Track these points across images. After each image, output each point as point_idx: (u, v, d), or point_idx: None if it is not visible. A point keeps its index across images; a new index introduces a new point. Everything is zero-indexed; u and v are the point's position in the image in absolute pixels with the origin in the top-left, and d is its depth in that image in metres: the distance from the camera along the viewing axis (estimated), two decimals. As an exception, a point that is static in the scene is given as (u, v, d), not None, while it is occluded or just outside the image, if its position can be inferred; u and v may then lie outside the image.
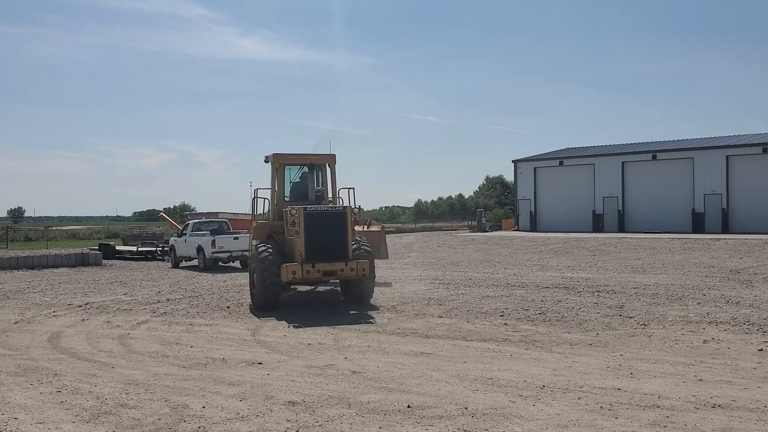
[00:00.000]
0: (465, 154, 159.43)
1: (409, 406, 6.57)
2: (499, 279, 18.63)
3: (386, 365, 8.55)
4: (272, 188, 15.36)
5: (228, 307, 14.33)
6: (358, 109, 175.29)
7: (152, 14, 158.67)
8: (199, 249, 25.12)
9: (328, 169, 15.61)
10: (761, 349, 9.04)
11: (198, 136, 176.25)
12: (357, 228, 16.31)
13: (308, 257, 13.35)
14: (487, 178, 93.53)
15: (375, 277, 14.87)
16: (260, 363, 8.84)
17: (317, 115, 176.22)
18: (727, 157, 41.86)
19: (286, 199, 15.50)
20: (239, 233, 26.66)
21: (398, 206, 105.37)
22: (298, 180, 15.79)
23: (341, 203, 15.19)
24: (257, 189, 15.59)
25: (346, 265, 13.40)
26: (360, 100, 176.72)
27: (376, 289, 15.91)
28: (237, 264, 25.70)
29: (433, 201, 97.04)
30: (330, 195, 15.61)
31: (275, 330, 11.51)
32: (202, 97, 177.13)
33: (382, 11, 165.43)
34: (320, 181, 15.74)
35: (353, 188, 15.44)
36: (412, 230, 60.64)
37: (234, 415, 6.43)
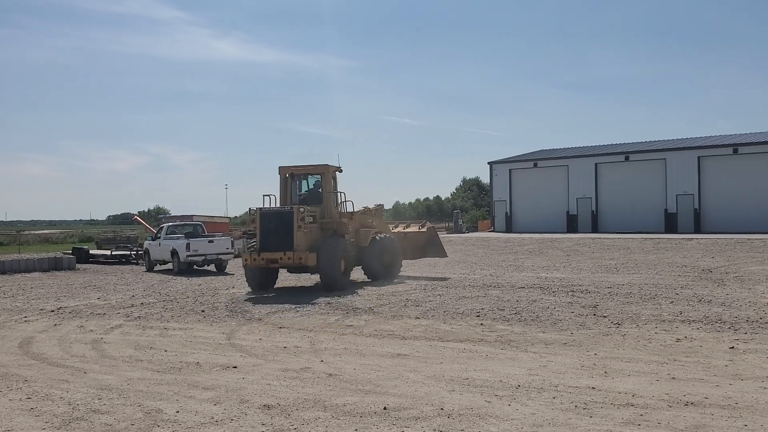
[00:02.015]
0: (442, 156, 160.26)
1: (385, 408, 6.56)
2: (475, 280, 18.69)
3: (363, 367, 8.53)
4: (281, 194, 18.36)
5: (203, 311, 14.21)
6: (334, 111, 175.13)
7: (125, 16, 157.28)
8: (174, 252, 24.88)
9: (330, 178, 18.30)
10: (732, 347, 9.17)
11: (173, 138, 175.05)
12: (397, 228, 21.41)
13: (261, 247, 16.87)
14: (464, 180, 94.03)
15: (399, 271, 19.18)
16: (235, 367, 8.77)
17: (293, 118, 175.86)
18: (698, 157, 42.48)
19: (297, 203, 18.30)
20: (214, 236, 26.51)
21: (261, 207, 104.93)
22: (311, 188, 18.85)
23: (342, 208, 18.43)
24: (264, 195, 18.20)
25: (285, 254, 16.60)
26: (336, 103, 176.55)
27: (352, 289, 16.68)
28: (212, 267, 25.49)
29: (410, 203, 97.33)
30: (323, 200, 18.19)
31: (250, 333, 11.43)
32: (177, 99, 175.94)
33: (358, 13, 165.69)
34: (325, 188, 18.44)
35: (344, 192, 18.71)
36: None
37: (208, 420, 6.37)
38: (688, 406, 6.45)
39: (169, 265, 25.89)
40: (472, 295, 15.24)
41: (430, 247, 21.45)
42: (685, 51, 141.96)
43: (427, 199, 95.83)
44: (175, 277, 22.93)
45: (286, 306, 14.47)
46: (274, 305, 14.67)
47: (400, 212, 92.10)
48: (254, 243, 17.27)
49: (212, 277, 22.47)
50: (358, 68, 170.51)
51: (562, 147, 55.44)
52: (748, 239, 32.01)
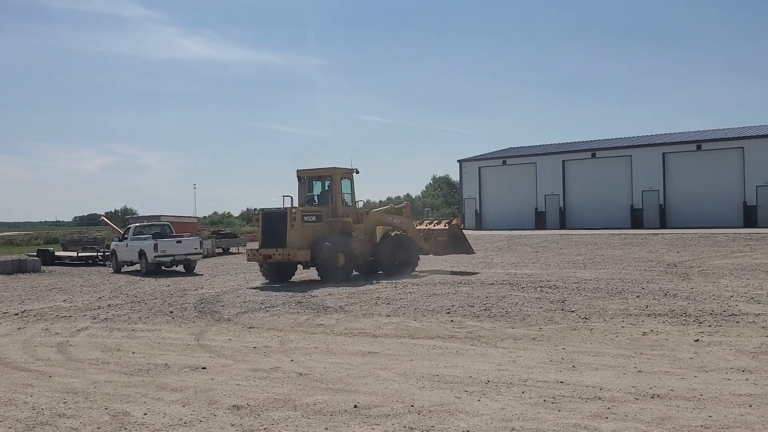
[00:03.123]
0: (412, 154, 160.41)
1: (355, 406, 6.55)
2: (445, 277, 18.78)
3: (333, 366, 8.52)
4: (298, 195, 20.10)
5: (171, 312, 14.06)
6: (304, 109, 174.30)
7: (91, 14, 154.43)
8: (141, 253, 24.57)
9: (338, 180, 19.87)
10: (697, 340, 9.34)
11: (141, 138, 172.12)
12: (422, 225, 22.51)
13: (260, 244, 19.30)
14: (434, 178, 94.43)
15: (414, 268, 20.29)
16: (204, 368, 8.69)
17: (263, 117, 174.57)
18: (663, 154, 43.16)
19: (314, 203, 20.26)
20: (182, 236, 26.22)
21: (258, 208, 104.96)
22: (325, 189, 20.31)
23: (353, 208, 20.01)
24: (283, 196, 19.95)
25: (277, 250, 18.53)
26: (307, 101, 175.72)
27: (324, 290, 16.75)
28: (180, 268, 25.22)
29: (381, 201, 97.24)
30: (333, 200, 19.68)
31: (220, 334, 11.34)
32: (144, 98, 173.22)
33: (328, 11, 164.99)
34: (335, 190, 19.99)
35: (349, 193, 20.27)
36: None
37: (177, 421, 6.30)
38: (654, 399, 6.55)
39: (137, 266, 25.57)
40: (442, 292, 15.31)
41: (454, 244, 22.04)
42: (649, 49, 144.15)
43: (398, 197, 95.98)
44: (143, 278, 22.65)
45: (256, 306, 14.38)
46: (243, 305, 14.57)
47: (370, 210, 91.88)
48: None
49: (181, 278, 22.23)
50: (329, 66, 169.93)
51: (531, 145, 55.92)
52: (712, 234, 32.62)
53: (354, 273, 19.78)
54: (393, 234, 20.27)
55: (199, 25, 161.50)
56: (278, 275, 19.26)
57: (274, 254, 18.70)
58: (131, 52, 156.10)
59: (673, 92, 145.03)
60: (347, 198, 20.22)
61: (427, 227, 22.48)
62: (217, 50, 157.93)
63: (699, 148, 42.09)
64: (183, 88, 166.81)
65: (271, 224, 19.11)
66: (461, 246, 22.16)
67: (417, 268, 20.71)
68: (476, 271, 20.26)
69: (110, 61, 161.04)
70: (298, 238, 18.63)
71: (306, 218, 19.04)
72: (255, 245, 20.17)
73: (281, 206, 19.61)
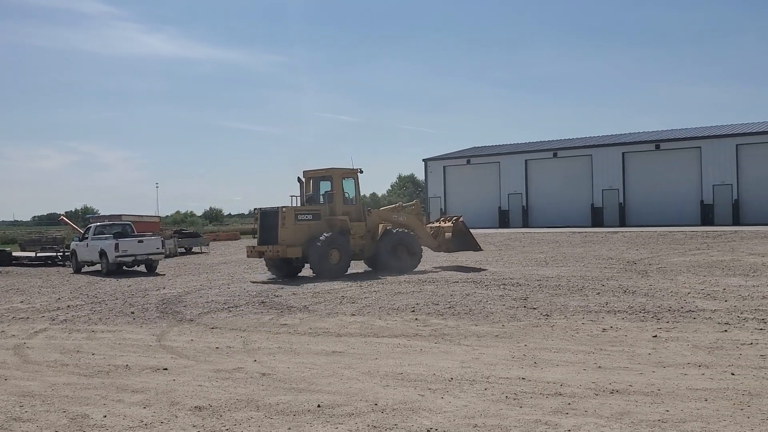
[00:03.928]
0: (378, 153, 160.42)
1: (319, 406, 6.54)
2: (410, 275, 18.85)
3: (297, 366, 8.49)
4: (300, 195, 20.99)
5: (132, 313, 13.86)
6: (268, 107, 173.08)
7: (49, 9, 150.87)
8: (102, 253, 24.17)
9: (339, 180, 20.59)
10: (655, 336, 9.53)
11: (102, 136, 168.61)
12: (433, 223, 23.45)
13: (258, 241, 20.27)
14: (400, 177, 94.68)
15: (416, 265, 20.61)
16: (165, 369, 8.59)
17: (227, 115, 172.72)
18: (623, 153, 43.92)
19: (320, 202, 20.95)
20: (144, 236, 25.85)
21: (258, 207, 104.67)
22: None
23: (355, 206, 20.77)
24: (290, 196, 21.01)
25: (269, 247, 19.57)
26: (271, 99, 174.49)
27: (288, 289, 16.72)
28: (142, 268, 24.86)
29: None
30: (334, 199, 20.40)
31: (182, 335, 11.21)
32: (105, 96, 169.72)
33: (290, 9, 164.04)
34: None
35: (348, 192, 20.99)
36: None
37: (137, 423, 6.21)
38: (613, 394, 6.66)
39: (98, 267, 25.15)
40: (407, 291, 15.36)
41: (460, 241, 22.43)
42: (609, 50, 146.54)
43: (363, 196, 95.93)
44: (103, 279, 22.28)
45: (219, 306, 14.26)
46: (206, 305, 14.43)
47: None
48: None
49: (142, 278, 21.92)
50: (292, 64, 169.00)
51: (495, 144, 56.41)
52: (670, 232, 33.30)
53: (367, 269, 20.92)
54: (394, 231, 20.77)
55: (161, 21, 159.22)
56: (282, 271, 20.06)
57: (266, 251, 19.69)
58: (91, 49, 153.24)
59: (631, 92, 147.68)
60: (350, 197, 20.89)
61: (438, 225, 23.10)
62: (179, 47, 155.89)
63: (657, 147, 42.94)
64: (145, 85, 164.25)
65: (266, 222, 20.06)
66: (467, 243, 22.53)
67: (420, 267, 20.98)
68: (304, 281, 19.69)
69: (69, 57, 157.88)
70: (290, 235, 19.45)
71: (300, 217, 19.85)
72: (254, 242, 21.16)
73: (277, 206, 20.31)
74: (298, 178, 21.28)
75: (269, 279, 19.73)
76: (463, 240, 22.41)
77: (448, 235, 22.41)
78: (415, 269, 20.51)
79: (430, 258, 23.14)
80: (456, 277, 18.01)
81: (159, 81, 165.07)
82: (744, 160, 39.88)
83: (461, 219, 23.13)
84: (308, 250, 19.27)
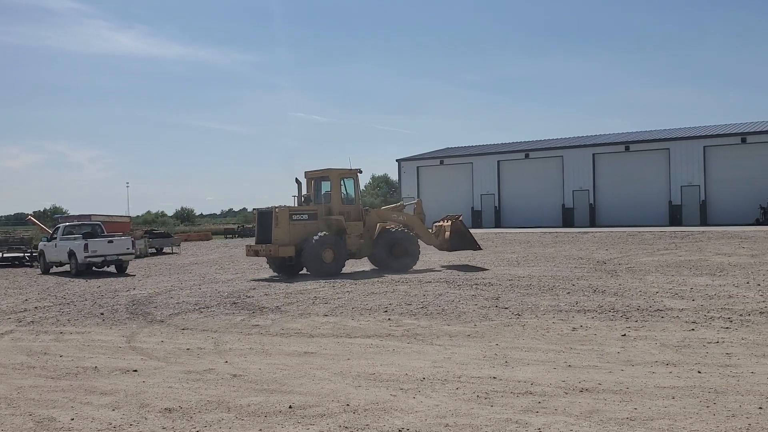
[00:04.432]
0: (351, 153, 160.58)
1: (290, 407, 6.52)
2: (383, 276, 18.87)
3: (268, 367, 8.45)
4: (298, 195, 21.35)
5: (102, 314, 13.68)
6: (240, 107, 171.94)
7: (16, 5, 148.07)
8: (71, 253, 23.83)
9: (337, 180, 20.93)
10: (624, 335, 9.65)
11: (71, 135, 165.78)
12: (439, 223, 23.37)
13: (256, 241, 20.76)
14: (373, 177, 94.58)
15: (413, 263, 20.71)
16: (135, 370, 8.49)
17: (199, 114, 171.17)
18: (593, 155, 44.44)
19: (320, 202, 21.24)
20: (114, 236, 25.54)
21: (257, 207, 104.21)
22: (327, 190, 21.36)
23: (354, 206, 21.11)
24: (293, 196, 21.47)
25: (263, 246, 20.09)
26: (243, 98, 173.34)
27: (260, 290, 16.73)
28: (112, 269, 24.55)
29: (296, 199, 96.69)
30: (332, 199, 20.83)
31: (152, 336, 11.09)
32: (75, 94, 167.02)
33: (263, 9, 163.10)
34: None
35: (338, 192, 21.04)
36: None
37: (106, 426, 6.14)
38: (583, 393, 6.74)
39: (67, 267, 24.80)
40: (380, 291, 15.37)
41: (459, 240, 22.58)
42: (579, 52, 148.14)
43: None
44: (72, 280, 21.96)
45: (190, 307, 14.13)
46: (177, 306, 14.29)
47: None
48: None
49: (112, 279, 21.65)
50: (264, 64, 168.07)
51: (468, 145, 56.70)
52: (639, 232, 33.75)
53: (373, 268, 21.27)
54: (392, 230, 20.99)
55: (132, 19, 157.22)
56: (283, 269, 20.38)
57: (260, 250, 20.24)
58: (59, 46, 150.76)
59: (601, 95, 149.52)
60: (348, 197, 21.20)
61: (441, 224, 23.32)
62: (150, 46, 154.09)
63: (627, 149, 43.51)
64: (115, 84, 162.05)
65: (262, 222, 20.52)
66: (466, 242, 22.62)
67: (425, 266, 21.27)
68: (275, 281, 19.80)
69: (37, 55, 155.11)
70: (284, 235, 19.88)
71: (295, 217, 20.21)
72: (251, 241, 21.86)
73: (272, 206, 20.68)
74: (296, 179, 21.62)
75: (271, 277, 20.19)
76: (461, 239, 22.55)
77: (447, 234, 22.60)
78: (413, 268, 20.69)
79: (435, 258, 23.06)
80: (429, 277, 18.08)
81: (130, 79, 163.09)
82: (711, 161, 40.60)
83: (460, 218, 23.24)
84: (302, 249, 19.60)
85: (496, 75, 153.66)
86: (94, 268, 23.98)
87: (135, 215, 76.52)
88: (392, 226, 21.32)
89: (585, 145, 45.44)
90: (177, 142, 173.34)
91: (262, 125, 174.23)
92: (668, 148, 41.87)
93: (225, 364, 8.69)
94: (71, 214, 40.26)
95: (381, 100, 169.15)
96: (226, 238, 52.64)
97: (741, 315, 10.75)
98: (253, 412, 6.43)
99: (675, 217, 40.99)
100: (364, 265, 22.17)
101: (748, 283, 14.51)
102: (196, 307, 14.01)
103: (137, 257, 29.30)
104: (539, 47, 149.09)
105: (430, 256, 24.29)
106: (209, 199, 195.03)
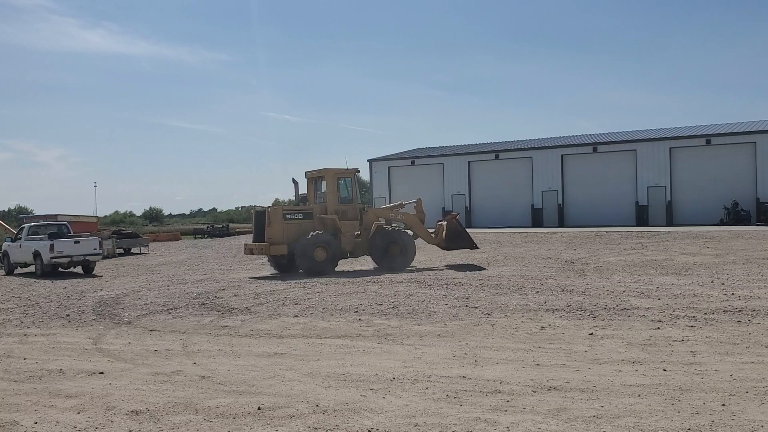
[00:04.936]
0: (322, 152, 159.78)
1: (259, 408, 6.48)
2: (354, 276, 18.85)
3: (237, 368, 8.38)
4: (295, 195, 22.17)
5: (68, 315, 13.46)
6: (211, 106, 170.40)
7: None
8: (36, 254, 23.42)
9: (332, 180, 21.17)
10: (592, 334, 9.77)
11: (37, 134, 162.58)
12: (441, 221, 23.58)
13: (253, 240, 21.18)
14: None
15: (408, 262, 20.86)
16: (101, 372, 8.37)
17: (169, 113, 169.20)
18: (561, 156, 44.90)
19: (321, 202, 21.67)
20: (80, 236, 25.14)
21: (255, 206, 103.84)
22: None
23: (351, 205, 21.32)
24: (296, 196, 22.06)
25: (257, 245, 20.71)
26: (213, 97, 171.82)
27: (229, 291, 16.60)
28: (79, 269, 24.16)
29: (290, 200, 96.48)
30: (327, 198, 21.12)
31: (119, 337, 10.94)
32: (41, 92, 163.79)
33: (234, 7, 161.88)
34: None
35: (329, 192, 21.33)
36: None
37: (70, 429, 6.03)
38: (551, 391, 6.81)
39: (32, 268, 24.38)
40: (351, 291, 15.35)
41: (454, 239, 22.61)
42: (547, 55, 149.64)
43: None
44: (37, 281, 21.57)
45: (158, 308, 13.97)
46: (145, 307, 14.12)
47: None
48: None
49: (79, 280, 21.30)
50: (236, 63, 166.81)
51: (438, 146, 56.90)
52: (606, 232, 34.17)
53: (374, 266, 21.34)
54: (387, 229, 21.27)
55: (100, 17, 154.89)
56: (282, 267, 20.85)
57: (255, 249, 20.87)
58: (25, 43, 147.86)
59: (570, 96, 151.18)
60: (345, 196, 21.48)
61: (441, 223, 23.56)
62: (119, 43, 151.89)
63: (595, 150, 44.04)
64: (83, 82, 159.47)
65: (258, 222, 20.99)
66: (461, 241, 22.62)
67: (414, 264, 21.36)
68: (246, 282, 19.93)
69: (2, 52, 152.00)
70: (277, 234, 20.41)
71: (289, 216, 20.73)
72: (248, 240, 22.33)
73: (267, 206, 21.54)
74: (293, 179, 22.15)
75: (272, 274, 20.64)
76: (457, 238, 22.56)
77: (443, 233, 22.68)
78: (409, 267, 20.81)
79: (433, 257, 23.01)
80: (400, 277, 18.10)
81: (97, 78, 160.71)
82: (677, 162, 41.27)
83: (455, 217, 23.25)
84: (295, 248, 19.94)
85: (467, 76, 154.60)
86: (60, 269, 23.58)
87: (102, 215, 75.45)
88: (388, 225, 21.58)
89: (554, 146, 45.89)
90: (146, 141, 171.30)
91: (233, 124, 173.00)
92: (635, 150, 42.46)
93: (193, 366, 8.61)
94: (37, 213, 39.59)
95: (352, 100, 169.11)
96: (196, 238, 52.12)
97: (705, 314, 10.95)
98: (221, 413, 6.37)
99: (641, 217, 41.60)
100: (363, 264, 22.23)
101: (712, 282, 14.79)
102: (165, 308, 13.85)
103: (104, 258, 28.91)
104: (509, 49, 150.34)
105: (429, 255, 24.26)
106: (178, 198, 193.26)
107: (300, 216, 20.86)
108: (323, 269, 19.77)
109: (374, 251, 20.96)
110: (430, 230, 23.18)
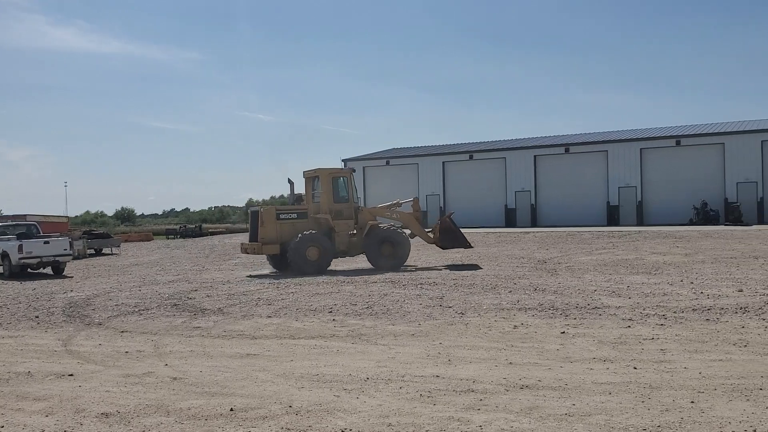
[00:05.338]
0: (297, 152, 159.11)
1: (232, 409, 6.43)
2: (328, 276, 18.81)
3: (209, 369, 8.31)
4: (290, 194, 22.84)
5: (37, 317, 13.24)
6: (184, 105, 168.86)
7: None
8: (4, 255, 22.99)
9: (327, 180, 21.36)
10: (563, 332, 9.86)
11: (6, 133, 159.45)
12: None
13: (249, 239, 21.60)
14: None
15: (402, 262, 20.92)
16: (71, 375, 8.24)
17: (140, 112, 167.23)
18: (534, 156, 45.27)
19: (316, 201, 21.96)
20: (50, 237, 24.75)
21: (229, 206, 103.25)
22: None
23: (347, 204, 21.46)
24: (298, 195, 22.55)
25: (250, 243, 21.26)
26: (186, 97, 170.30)
27: (202, 291, 16.44)
28: (48, 270, 23.78)
29: (264, 200, 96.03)
30: (321, 199, 21.38)
31: (89, 339, 10.79)
32: (10, 90, 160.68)
33: (208, 5, 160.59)
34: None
35: (316, 191, 21.86)
36: (243, 230, 59.47)
37: (39, 433, 5.94)
38: (523, 389, 6.86)
39: (0, 269, 23.90)
40: (325, 292, 15.31)
41: (448, 238, 22.53)
42: (521, 56, 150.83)
43: (282, 196, 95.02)
44: (5, 282, 21.18)
45: (130, 309, 13.80)
46: (116, 309, 13.94)
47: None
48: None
49: (48, 281, 20.97)
50: (209, 62, 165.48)
51: (413, 146, 57.01)
52: (578, 232, 34.53)
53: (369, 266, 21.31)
54: (381, 228, 21.21)
55: (71, 14, 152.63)
56: (280, 266, 21.09)
57: (248, 248, 21.28)
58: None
59: (543, 98, 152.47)
60: (341, 196, 21.56)
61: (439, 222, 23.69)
62: (90, 41, 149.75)
63: (567, 151, 44.48)
64: (53, 80, 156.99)
65: (253, 222, 21.42)
66: (455, 240, 22.53)
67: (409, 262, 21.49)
68: (220, 282, 20.31)
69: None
70: (270, 233, 20.77)
71: (283, 216, 21.07)
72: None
73: (260, 206, 22.19)
74: (288, 178, 22.75)
75: (271, 272, 20.98)
76: (450, 237, 22.49)
77: (437, 233, 22.66)
78: (404, 266, 20.80)
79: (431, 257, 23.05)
80: (374, 277, 18.10)
81: (68, 76, 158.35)
82: (647, 163, 41.83)
83: (448, 216, 23.13)
84: (288, 247, 20.17)
85: (442, 77, 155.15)
86: (29, 270, 23.18)
87: (73, 215, 74.47)
88: (382, 224, 21.60)
89: (526, 147, 46.25)
90: (118, 141, 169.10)
91: (207, 124, 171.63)
92: (606, 150, 42.95)
93: (165, 367, 8.52)
94: (5, 214, 38.90)
95: (327, 100, 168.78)
96: (168, 238, 51.62)
97: (675, 312, 11.11)
98: (193, 415, 6.32)
99: (613, 217, 42.10)
100: (359, 263, 22.15)
101: (681, 281, 15.01)
102: (136, 309, 13.69)
103: (75, 258, 28.49)
104: (484, 51, 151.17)
105: (430, 255, 24.24)
106: (151, 198, 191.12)
107: (294, 216, 21.18)
108: (316, 268, 19.86)
109: (368, 250, 21.01)
110: (428, 230, 23.12)
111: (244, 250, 21.90)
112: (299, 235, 20.18)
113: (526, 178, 45.23)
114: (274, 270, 21.38)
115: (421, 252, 25.65)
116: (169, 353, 9.45)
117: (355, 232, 21.48)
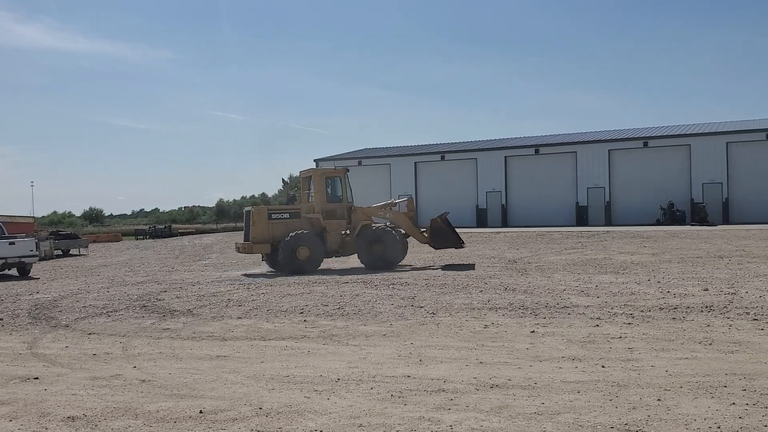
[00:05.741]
0: (269, 152, 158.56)
1: (201, 412, 6.37)
2: (300, 276, 18.74)
3: (179, 371, 8.23)
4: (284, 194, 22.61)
5: (1, 319, 12.98)
6: (154, 104, 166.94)
7: None
8: (-33, 256, 22.49)
9: (320, 180, 21.61)
10: (533, 331, 9.94)
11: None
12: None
13: (244, 238, 21.64)
14: (291, 177, 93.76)
15: (396, 262, 20.98)
16: (36, 378, 8.09)
17: (109, 111, 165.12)
18: (505, 157, 45.65)
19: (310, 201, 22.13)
20: (16, 237, 24.30)
21: (199, 206, 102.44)
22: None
23: (340, 204, 21.61)
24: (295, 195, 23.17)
25: (242, 243, 21.50)
26: (157, 95, 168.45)
27: (171, 293, 16.26)
28: (14, 272, 23.34)
29: (235, 200, 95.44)
30: (313, 199, 21.57)
31: (56, 341, 10.61)
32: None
33: (179, 4, 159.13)
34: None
35: (312, 191, 21.86)
36: (213, 230, 59.08)
37: (2, 438, 5.83)
38: (493, 389, 6.90)
39: (-39, 271, 23.37)
40: (296, 292, 15.25)
41: (440, 238, 22.30)
42: (492, 56, 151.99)
43: (253, 196, 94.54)
44: (-33, 284, 20.72)
45: (98, 311, 13.61)
46: (83, 310, 13.73)
47: (223, 210, 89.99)
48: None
49: (14, 282, 20.58)
50: (181, 61, 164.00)
51: (386, 146, 57.09)
52: (548, 232, 34.89)
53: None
54: (372, 228, 21.24)
55: (37, 11, 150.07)
56: (277, 265, 21.08)
57: (240, 247, 21.62)
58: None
59: (513, 99, 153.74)
60: (335, 195, 21.77)
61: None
62: (58, 39, 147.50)
63: (537, 152, 44.93)
64: (19, 78, 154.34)
65: (247, 221, 21.59)
66: (447, 240, 22.33)
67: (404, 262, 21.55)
68: (190, 283, 20.32)
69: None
70: (260, 233, 20.99)
71: (274, 216, 21.28)
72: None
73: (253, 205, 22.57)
74: (282, 178, 23.96)
75: (268, 272, 21.24)
76: (442, 237, 22.31)
77: (430, 232, 22.58)
78: (398, 266, 20.82)
79: (437, 257, 22.91)
80: (346, 278, 18.08)
81: (35, 74, 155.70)
82: (615, 164, 42.43)
83: (440, 216, 22.86)
84: (279, 247, 20.36)
85: (414, 78, 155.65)
86: (-8, 271, 22.74)
87: (40, 216, 73.26)
88: (377, 223, 21.70)
89: (497, 148, 46.61)
90: (87, 140, 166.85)
91: (177, 123, 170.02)
92: (575, 152, 43.48)
93: (133, 369, 8.41)
94: (-32, 214, 38.03)
95: (298, 99, 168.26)
96: (137, 239, 51.01)
97: (642, 311, 11.27)
98: (162, 418, 6.25)
99: (581, 217, 42.62)
100: (353, 262, 22.24)
101: (649, 280, 15.24)
102: (104, 311, 13.50)
103: (42, 259, 28.01)
104: (456, 52, 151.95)
105: (430, 255, 24.21)
106: (120, 199, 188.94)
107: (286, 215, 21.37)
108: (306, 268, 20.02)
109: (359, 250, 21.02)
110: (422, 230, 22.96)
111: (238, 249, 22.15)
112: (290, 234, 20.32)
113: (497, 178, 45.58)
114: (271, 269, 21.50)
115: (419, 253, 25.59)
116: (137, 355, 9.33)
117: (348, 231, 21.56)
